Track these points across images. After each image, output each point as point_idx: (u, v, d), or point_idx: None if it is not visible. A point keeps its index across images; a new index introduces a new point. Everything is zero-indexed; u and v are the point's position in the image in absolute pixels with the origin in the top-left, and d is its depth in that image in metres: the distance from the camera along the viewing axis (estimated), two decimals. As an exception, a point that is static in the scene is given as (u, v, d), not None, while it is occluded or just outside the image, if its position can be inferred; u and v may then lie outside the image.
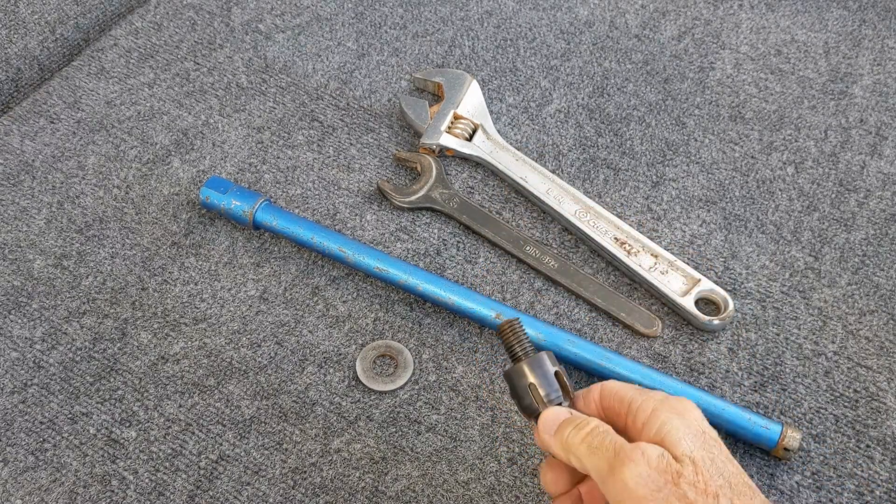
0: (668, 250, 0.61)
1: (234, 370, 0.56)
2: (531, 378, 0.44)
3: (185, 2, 0.79)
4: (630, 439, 0.41)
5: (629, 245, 0.61)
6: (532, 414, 0.44)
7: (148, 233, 0.63)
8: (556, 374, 0.45)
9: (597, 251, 0.62)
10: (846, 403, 0.55)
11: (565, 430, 0.42)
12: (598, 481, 0.40)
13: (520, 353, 0.45)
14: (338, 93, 0.71)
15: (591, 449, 0.41)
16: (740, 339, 0.58)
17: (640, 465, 0.38)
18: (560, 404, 0.44)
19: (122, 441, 0.53)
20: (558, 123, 0.69)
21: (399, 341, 0.57)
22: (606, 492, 0.40)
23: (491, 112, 0.69)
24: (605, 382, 0.45)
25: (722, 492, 0.38)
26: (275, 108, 0.70)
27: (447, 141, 0.66)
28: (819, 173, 0.66)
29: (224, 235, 0.63)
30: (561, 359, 0.56)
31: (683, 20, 0.77)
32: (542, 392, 0.44)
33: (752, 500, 0.39)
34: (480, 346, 0.57)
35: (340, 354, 0.57)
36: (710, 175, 0.66)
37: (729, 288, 0.60)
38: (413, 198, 0.64)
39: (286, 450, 0.53)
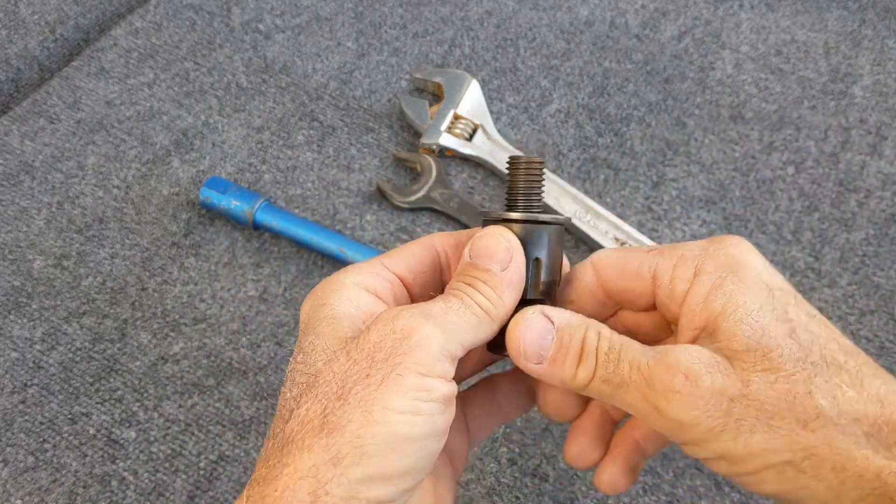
0: (668, 250, 0.61)
1: (233, 370, 0.56)
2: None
3: (185, 2, 0.78)
4: (668, 313, 0.31)
5: (629, 245, 0.61)
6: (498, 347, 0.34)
7: (148, 233, 0.63)
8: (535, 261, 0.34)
9: (597, 250, 0.62)
10: (846, 404, 0.55)
11: (560, 368, 0.31)
12: (642, 420, 0.31)
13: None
14: (338, 93, 0.71)
15: (612, 385, 0.30)
16: (740, 339, 0.57)
17: (688, 395, 0.28)
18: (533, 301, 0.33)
19: (121, 441, 0.53)
20: (558, 123, 0.69)
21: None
22: (659, 429, 0.30)
23: (491, 112, 0.69)
24: (596, 257, 0.34)
25: (814, 383, 0.27)
26: (275, 108, 0.70)
27: (447, 141, 0.66)
28: (819, 173, 0.66)
29: (224, 235, 0.63)
30: None
31: (683, 20, 0.77)
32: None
33: (855, 376, 0.28)
34: (480, 347, 0.57)
35: (340, 355, 0.57)
36: (710, 175, 0.66)
37: (729, 288, 0.60)
38: (413, 198, 0.64)
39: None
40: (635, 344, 0.31)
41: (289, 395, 0.30)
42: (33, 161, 0.67)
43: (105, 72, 0.73)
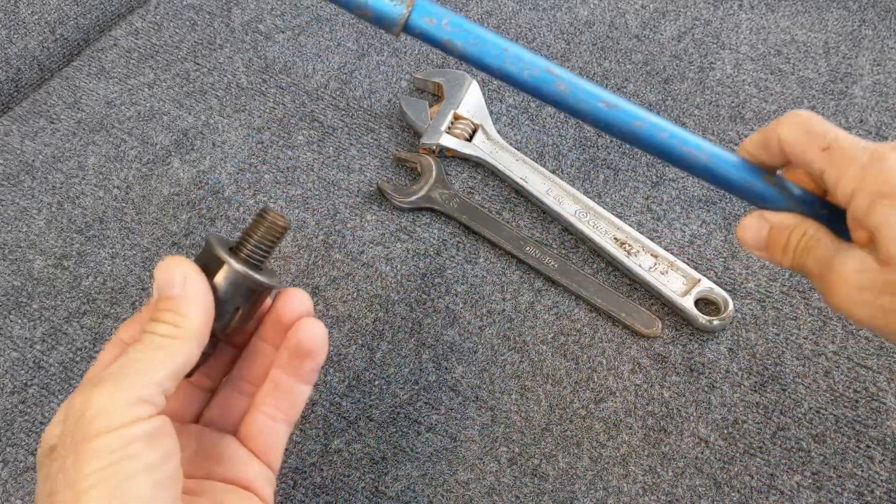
0: (667, 250, 0.61)
1: (234, 370, 0.56)
2: None
3: (185, 2, 0.79)
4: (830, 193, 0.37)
5: (629, 245, 0.61)
6: None
7: (148, 233, 0.63)
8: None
9: (597, 251, 0.62)
10: (846, 403, 0.55)
11: (770, 255, 0.39)
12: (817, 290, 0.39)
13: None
14: (338, 93, 0.71)
15: (801, 270, 0.38)
16: (740, 339, 0.58)
17: (846, 294, 0.35)
18: None
19: (122, 441, 0.53)
20: (558, 123, 0.69)
21: (399, 342, 0.58)
22: (827, 304, 0.40)
23: (491, 112, 0.69)
24: (785, 134, 0.37)
25: None
26: (275, 109, 0.70)
27: (447, 141, 0.66)
28: (819, 173, 0.66)
29: (224, 235, 0.63)
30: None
31: (683, 20, 0.77)
32: None
33: None
34: (480, 347, 0.57)
35: (340, 355, 0.57)
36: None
37: (729, 288, 0.60)
38: (413, 198, 0.64)
39: (286, 450, 0.53)
40: (827, 242, 0.37)
41: None
42: (34, 161, 0.67)
43: (105, 72, 0.73)
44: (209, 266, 0.37)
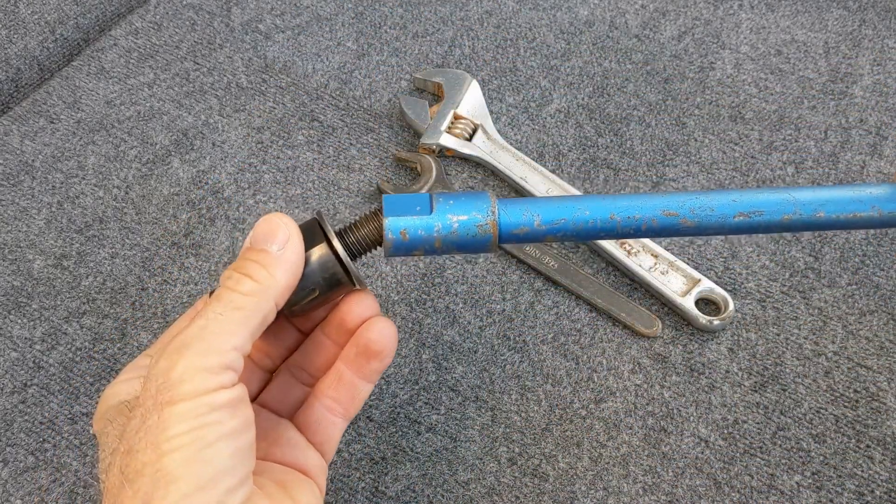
0: (668, 250, 0.61)
1: (234, 370, 0.56)
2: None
3: (185, 2, 0.79)
4: None
5: (629, 245, 0.61)
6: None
7: (148, 233, 0.63)
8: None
9: (597, 251, 0.62)
10: (846, 403, 0.55)
11: None
12: None
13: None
14: (338, 93, 0.71)
15: None
16: (740, 339, 0.58)
17: None
18: None
19: (122, 441, 0.53)
20: (558, 123, 0.69)
21: (399, 341, 0.57)
22: None
23: (491, 112, 0.69)
24: None
25: None
26: (275, 108, 0.70)
27: (447, 141, 0.66)
28: (819, 173, 0.66)
29: (224, 235, 0.63)
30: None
31: (683, 20, 0.77)
32: None
33: None
34: (480, 347, 0.57)
35: (340, 354, 0.57)
36: (710, 175, 0.66)
37: (729, 288, 0.60)
38: (413, 198, 0.64)
39: (286, 450, 0.53)
40: None
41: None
42: (33, 161, 0.67)
43: (105, 72, 0.73)
44: (308, 238, 0.36)
